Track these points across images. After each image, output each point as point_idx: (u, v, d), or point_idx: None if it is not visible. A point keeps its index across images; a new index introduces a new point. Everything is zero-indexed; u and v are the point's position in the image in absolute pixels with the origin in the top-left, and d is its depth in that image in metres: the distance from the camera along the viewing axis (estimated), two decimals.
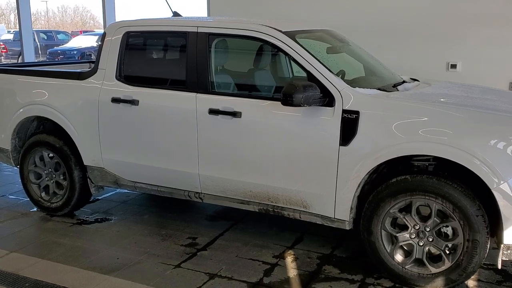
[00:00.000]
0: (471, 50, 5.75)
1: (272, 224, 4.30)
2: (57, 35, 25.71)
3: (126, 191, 5.16)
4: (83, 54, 19.92)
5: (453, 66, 5.84)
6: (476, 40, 5.72)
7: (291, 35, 3.59)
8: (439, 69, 5.87)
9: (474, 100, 3.44)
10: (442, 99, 3.41)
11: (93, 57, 19.40)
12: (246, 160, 3.62)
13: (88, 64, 5.89)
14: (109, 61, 4.11)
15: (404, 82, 3.99)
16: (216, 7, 7.00)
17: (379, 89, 3.50)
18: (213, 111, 3.66)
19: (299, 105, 3.23)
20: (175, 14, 4.70)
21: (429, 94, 3.52)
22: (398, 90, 3.65)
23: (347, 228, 3.43)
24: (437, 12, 5.81)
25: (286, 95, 3.22)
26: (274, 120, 3.48)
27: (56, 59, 18.72)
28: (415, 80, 4.24)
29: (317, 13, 6.34)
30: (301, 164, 3.43)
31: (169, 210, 4.68)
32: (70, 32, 31.00)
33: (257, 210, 3.74)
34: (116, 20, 4.91)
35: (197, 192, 3.91)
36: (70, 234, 4.16)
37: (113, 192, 5.21)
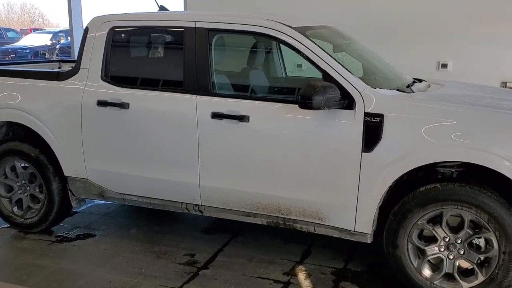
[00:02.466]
0: (462, 49, 5.63)
1: (274, 236, 3.97)
2: (7, 33, 24.32)
3: (106, 202, 4.69)
4: (36, 53, 18.89)
5: (444, 65, 5.71)
6: (467, 39, 5.60)
7: (302, 31, 3.28)
8: (430, 68, 5.71)
9: (500, 101, 3.24)
10: (469, 101, 3.17)
11: (48, 57, 18.47)
12: (254, 169, 3.28)
13: (57, 63, 5.38)
14: (93, 60, 3.66)
15: (414, 82, 3.76)
16: (193, 2, 6.61)
17: (397, 90, 3.25)
18: (216, 115, 3.30)
19: (319, 108, 2.92)
20: (162, 8, 4.30)
21: (453, 95, 3.29)
22: (413, 91, 3.41)
23: (369, 241, 3.15)
24: (428, 11, 5.66)
25: (305, 97, 2.90)
26: (287, 125, 3.16)
27: (7, 58, 17.67)
28: (421, 80, 4.01)
29: (303, 10, 6.06)
30: (317, 172, 3.13)
31: (157, 223, 4.27)
32: (19, 30, 29.45)
33: (265, 223, 3.40)
34: (82, 17, 4.44)
35: (196, 205, 3.54)
36: (51, 254, 3.70)
37: (91, 204, 4.74)
